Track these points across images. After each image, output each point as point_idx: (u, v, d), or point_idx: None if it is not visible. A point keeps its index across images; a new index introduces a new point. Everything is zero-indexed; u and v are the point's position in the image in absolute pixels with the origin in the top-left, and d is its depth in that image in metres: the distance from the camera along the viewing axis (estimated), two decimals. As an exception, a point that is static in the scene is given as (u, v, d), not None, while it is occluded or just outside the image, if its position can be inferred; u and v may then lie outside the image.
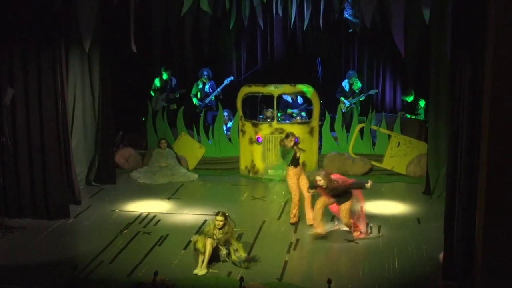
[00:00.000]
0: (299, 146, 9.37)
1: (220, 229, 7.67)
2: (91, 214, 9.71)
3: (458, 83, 6.96)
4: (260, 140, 11.73)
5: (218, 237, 7.67)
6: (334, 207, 8.74)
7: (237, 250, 7.70)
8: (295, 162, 9.16)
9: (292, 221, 9.20)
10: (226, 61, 14.16)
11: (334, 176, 8.61)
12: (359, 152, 11.98)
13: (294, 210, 9.20)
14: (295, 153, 9.12)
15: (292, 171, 9.16)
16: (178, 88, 13.10)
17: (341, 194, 8.55)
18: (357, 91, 12.88)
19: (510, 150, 5.85)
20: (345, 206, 8.57)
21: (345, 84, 12.94)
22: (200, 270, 7.46)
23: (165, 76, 13.01)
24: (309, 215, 9.02)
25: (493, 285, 6.13)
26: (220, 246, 7.69)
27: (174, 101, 13.02)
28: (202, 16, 12.68)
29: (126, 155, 12.35)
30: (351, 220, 8.62)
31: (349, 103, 12.83)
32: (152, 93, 13.03)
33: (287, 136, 9.20)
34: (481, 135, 6.30)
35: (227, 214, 7.78)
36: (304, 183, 9.15)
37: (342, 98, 12.91)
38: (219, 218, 7.68)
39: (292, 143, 9.10)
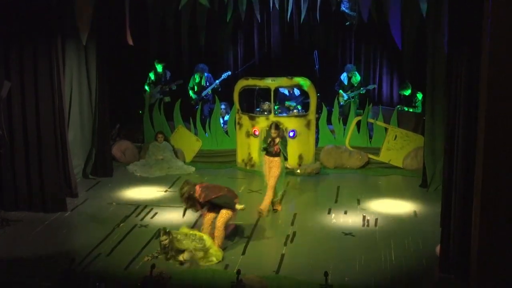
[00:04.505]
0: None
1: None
2: (88, 207, 9.71)
3: (455, 77, 6.96)
4: (257, 133, 11.72)
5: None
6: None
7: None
8: (268, 151, 9.25)
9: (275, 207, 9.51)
10: (223, 54, 14.13)
11: (199, 187, 7.73)
12: (356, 145, 11.99)
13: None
14: (271, 143, 9.20)
15: (264, 157, 9.33)
16: (173, 81, 13.07)
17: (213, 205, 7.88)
18: (355, 85, 12.87)
19: (506, 143, 5.86)
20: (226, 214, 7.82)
21: (344, 77, 12.94)
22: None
23: (159, 68, 12.97)
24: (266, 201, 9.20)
25: (489, 278, 6.15)
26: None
27: (169, 94, 13.00)
28: (198, 9, 12.64)
29: (123, 148, 12.34)
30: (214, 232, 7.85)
31: (347, 97, 12.82)
32: (146, 86, 12.99)
33: (275, 126, 9.22)
34: (477, 129, 6.31)
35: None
36: (273, 175, 9.22)
37: (341, 91, 12.91)
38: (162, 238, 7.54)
39: (274, 135, 9.16)
